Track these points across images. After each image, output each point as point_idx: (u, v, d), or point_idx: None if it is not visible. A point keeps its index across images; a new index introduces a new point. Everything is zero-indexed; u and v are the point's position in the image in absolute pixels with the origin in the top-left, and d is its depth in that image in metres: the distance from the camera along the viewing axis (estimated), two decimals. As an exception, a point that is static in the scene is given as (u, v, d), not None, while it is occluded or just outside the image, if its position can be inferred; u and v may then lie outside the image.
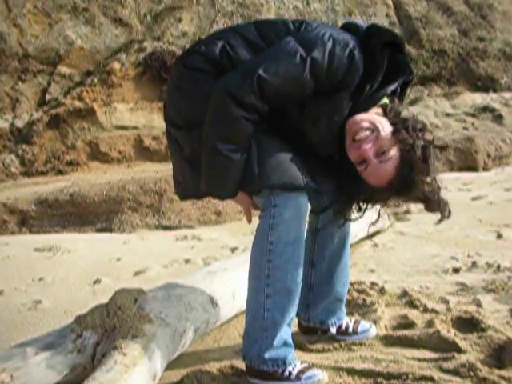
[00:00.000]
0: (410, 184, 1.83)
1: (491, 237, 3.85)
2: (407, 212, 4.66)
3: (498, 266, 3.02)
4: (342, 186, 2.01)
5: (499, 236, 3.84)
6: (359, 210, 2.02)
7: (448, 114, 9.56)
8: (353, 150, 1.84)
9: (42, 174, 6.65)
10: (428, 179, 1.86)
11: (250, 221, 1.97)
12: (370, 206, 2.01)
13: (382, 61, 1.82)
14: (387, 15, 10.47)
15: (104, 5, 7.88)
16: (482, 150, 7.41)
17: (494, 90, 10.78)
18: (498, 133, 8.54)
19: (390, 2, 10.73)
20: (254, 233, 1.89)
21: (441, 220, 1.92)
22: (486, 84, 10.79)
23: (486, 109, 10.05)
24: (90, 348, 1.70)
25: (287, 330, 1.86)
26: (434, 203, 1.90)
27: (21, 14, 7.45)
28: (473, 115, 9.80)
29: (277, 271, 1.82)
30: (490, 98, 10.53)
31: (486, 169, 7.40)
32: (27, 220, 5.16)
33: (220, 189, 1.87)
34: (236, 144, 1.77)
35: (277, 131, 1.90)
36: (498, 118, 9.87)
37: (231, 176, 1.81)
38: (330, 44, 1.77)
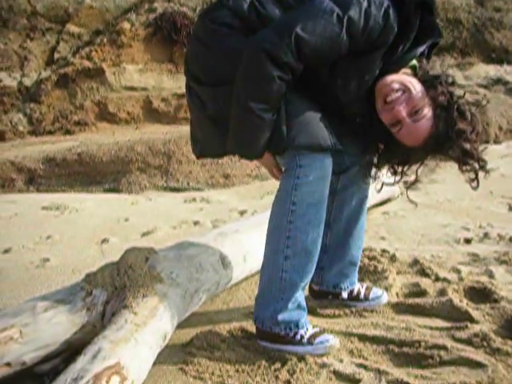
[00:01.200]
0: (447, 141, 1.78)
1: (503, 209, 3.81)
2: (417, 181, 4.61)
3: (510, 238, 2.99)
4: (366, 150, 2.00)
5: (511, 208, 3.80)
6: (394, 173, 1.99)
7: (460, 86, 9.44)
8: (385, 112, 1.80)
9: (50, 133, 6.61)
10: (467, 135, 1.80)
11: (278, 179, 1.92)
12: (406, 168, 1.97)
13: (416, 21, 1.76)
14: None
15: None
16: (493, 123, 7.33)
17: (508, 62, 10.64)
18: (510, 106, 8.43)
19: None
20: (276, 192, 1.85)
21: (475, 179, 1.89)
22: (500, 56, 10.64)
23: (499, 81, 9.93)
24: (100, 306, 1.68)
25: (302, 293, 1.85)
26: (472, 160, 1.84)
27: (30, -30, 7.35)
28: (485, 87, 9.69)
29: (298, 232, 1.79)
30: (503, 70, 10.39)
31: (496, 141, 7.32)
32: (35, 178, 5.15)
33: (249, 149, 1.82)
34: (269, 104, 1.72)
35: (305, 90, 1.84)
36: (511, 91, 9.76)
37: (261, 136, 1.76)
38: (365, 3, 1.70)
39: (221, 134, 1.82)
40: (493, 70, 10.25)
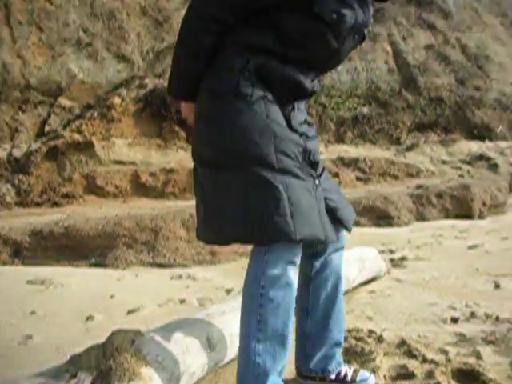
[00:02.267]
0: None
1: (489, 287, 3.82)
2: (403, 259, 4.64)
3: (497, 317, 2.98)
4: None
5: (497, 286, 3.81)
6: None
7: (444, 162, 9.63)
8: None
9: (38, 205, 6.62)
10: None
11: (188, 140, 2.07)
12: None
13: None
14: (386, 62, 10.62)
15: (108, 40, 7.97)
16: (477, 198, 7.43)
17: (490, 139, 10.91)
18: (493, 181, 8.58)
19: (390, 49, 10.90)
20: (246, 275, 1.88)
21: None
22: (481, 132, 10.91)
23: (481, 157, 10.15)
24: (85, 389, 1.65)
25: (278, 378, 1.84)
26: None
27: (25, 45, 7.52)
28: (469, 163, 9.88)
29: (268, 316, 1.81)
30: (485, 146, 10.64)
31: (481, 217, 7.41)
32: (20, 251, 5.11)
33: (172, 84, 2.05)
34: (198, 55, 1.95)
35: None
36: (494, 167, 9.95)
37: (182, 75, 2.00)
38: None
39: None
40: (475, 147, 10.48)
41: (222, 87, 1.92)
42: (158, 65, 8.05)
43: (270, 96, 1.92)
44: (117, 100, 7.29)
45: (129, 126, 7.20)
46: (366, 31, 2.06)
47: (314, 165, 1.95)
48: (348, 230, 2.10)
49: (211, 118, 1.94)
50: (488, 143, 10.80)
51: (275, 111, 1.92)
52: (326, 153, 8.28)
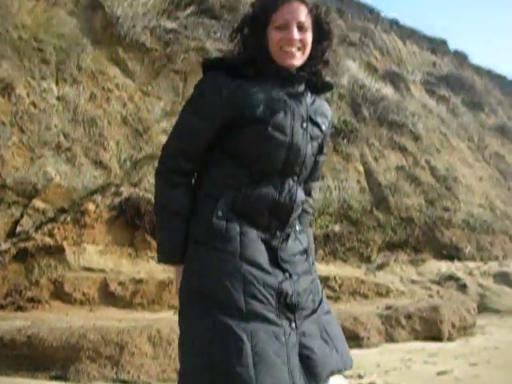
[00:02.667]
0: None
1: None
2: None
3: None
4: None
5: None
6: None
7: (414, 281, 9.72)
8: None
9: (1, 307, 6.48)
10: None
11: None
12: None
13: None
14: (358, 181, 10.92)
15: (87, 146, 8.12)
16: (446, 320, 7.45)
17: (459, 259, 11.09)
18: (462, 302, 8.63)
19: (362, 169, 11.24)
20: None
21: None
22: (450, 252, 11.12)
23: (450, 277, 10.27)
24: None
25: None
26: None
27: (5, 145, 7.61)
28: (438, 283, 9.98)
29: None
30: (454, 266, 10.79)
31: (450, 339, 7.40)
32: (-22, 358, 4.97)
33: (158, 249, 2.13)
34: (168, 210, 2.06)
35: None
36: (462, 287, 10.05)
37: (164, 235, 2.09)
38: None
39: None
40: (444, 267, 10.63)
41: (197, 232, 2.00)
42: (135, 174, 8.19)
43: (248, 230, 1.97)
44: (91, 206, 7.33)
45: (101, 232, 7.21)
46: (313, 115, 2.15)
47: (291, 307, 1.94)
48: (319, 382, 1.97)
49: (186, 264, 2.02)
50: (457, 263, 10.98)
51: (253, 248, 1.95)
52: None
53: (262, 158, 2.01)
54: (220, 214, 1.97)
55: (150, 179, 8.16)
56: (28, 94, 8.16)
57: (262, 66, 2.09)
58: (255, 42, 2.10)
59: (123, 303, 6.63)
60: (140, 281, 6.61)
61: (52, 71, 8.68)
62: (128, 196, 7.51)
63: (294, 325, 1.92)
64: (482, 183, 15.61)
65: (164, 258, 2.11)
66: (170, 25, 10.21)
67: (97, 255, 7.01)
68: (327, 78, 2.26)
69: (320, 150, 2.26)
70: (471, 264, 11.52)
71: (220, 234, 1.94)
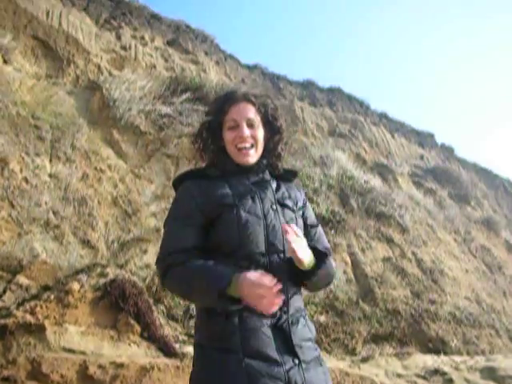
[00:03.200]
0: None
1: None
2: None
3: None
4: None
5: None
6: None
7: (399, 375, 9.57)
8: None
9: (-24, 381, 6.32)
10: None
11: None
12: None
13: None
14: (345, 272, 10.94)
15: (76, 225, 8.14)
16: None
17: (445, 353, 10.99)
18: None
19: (349, 260, 11.29)
20: None
21: None
22: (436, 346, 11.02)
23: (436, 371, 10.11)
24: None
25: None
26: None
27: (-6, 221, 7.62)
28: (424, 377, 9.82)
29: None
30: (440, 360, 10.65)
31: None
32: None
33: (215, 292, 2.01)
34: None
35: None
36: (449, 382, 9.88)
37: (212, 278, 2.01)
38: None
39: None
40: (430, 360, 10.48)
41: (199, 336, 2.10)
42: (122, 255, 8.17)
43: (249, 320, 1.99)
44: (76, 285, 7.26)
45: (84, 313, 7.10)
46: (280, 199, 2.27)
47: None
48: None
49: (192, 370, 2.08)
50: (443, 357, 10.83)
51: (256, 338, 1.95)
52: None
53: (243, 243, 2.07)
54: (218, 310, 1.99)
55: (136, 262, 8.16)
56: (21, 170, 8.24)
57: (222, 164, 2.27)
58: (213, 144, 2.30)
59: (101, 388, 6.48)
60: (121, 365, 6.47)
61: (47, 148, 8.80)
62: (114, 277, 7.46)
63: None
64: (468, 276, 15.63)
65: (224, 283, 1.99)
66: (165, 110, 10.45)
67: (78, 336, 6.88)
68: (289, 166, 2.43)
69: (309, 225, 2.37)
70: (458, 358, 11.39)
71: (218, 332, 1.96)
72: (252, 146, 2.25)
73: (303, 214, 2.37)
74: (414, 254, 13.14)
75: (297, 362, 1.95)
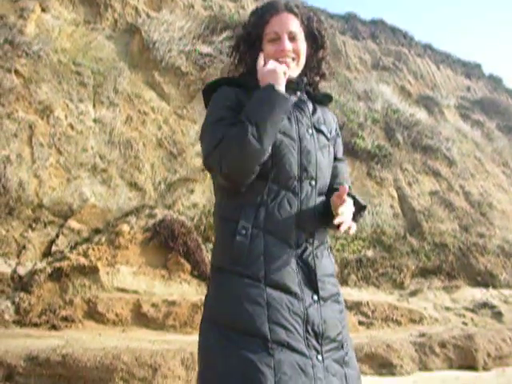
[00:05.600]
0: None
1: None
2: None
3: None
4: None
5: None
6: None
7: (447, 308, 9.56)
8: None
9: (35, 325, 6.56)
10: None
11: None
12: None
13: None
14: (391, 206, 10.84)
15: (122, 168, 8.23)
16: (481, 349, 7.31)
17: (494, 286, 10.90)
18: (497, 331, 8.47)
19: (395, 194, 11.16)
20: None
21: None
22: (485, 279, 10.92)
23: (485, 305, 10.07)
24: None
25: None
26: None
27: (43, 166, 7.75)
28: (472, 310, 9.80)
29: None
30: (489, 293, 10.59)
31: (486, 368, 7.25)
32: (13, 376, 5.02)
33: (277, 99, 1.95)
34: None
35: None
36: (498, 315, 9.85)
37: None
38: None
39: None
40: (479, 294, 10.43)
41: (219, 259, 1.99)
42: (169, 196, 8.26)
43: (274, 248, 1.90)
44: (125, 227, 7.40)
45: (135, 254, 7.26)
46: (316, 123, 2.16)
47: (318, 336, 1.86)
48: None
49: (208, 293, 2.01)
50: (492, 290, 10.77)
51: (280, 268, 1.87)
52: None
53: (276, 164, 1.97)
54: (243, 232, 1.90)
55: (183, 201, 8.23)
56: (66, 116, 8.32)
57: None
58: (252, 57, 2.14)
59: (156, 325, 6.64)
60: (173, 303, 6.62)
61: (89, 94, 8.85)
62: (162, 218, 7.57)
63: (320, 357, 1.86)
64: (517, 208, 15.39)
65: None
66: (206, 49, 10.35)
67: (130, 276, 7.06)
68: (326, 90, 2.31)
69: (335, 157, 2.24)
70: (506, 291, 11.30)
71: (242, 256, 1.88)
72: (293, 59, 2.11)
73: (335, 143, 2.26)
74: (461, 187, 12.94)
75: (316, 298, 1.91)
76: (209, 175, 8.36)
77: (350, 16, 17.81)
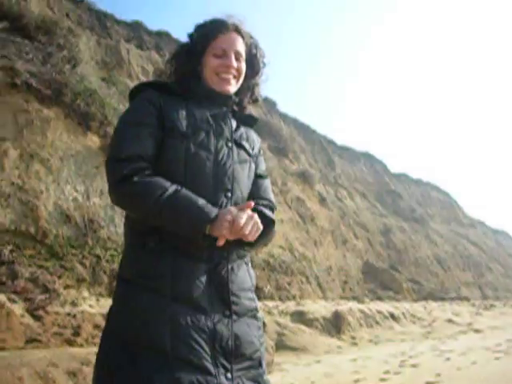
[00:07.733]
0: None
1: None
2: None
3: None
4: None
5: None
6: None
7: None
8: None
9: None
10: None
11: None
12: None
13: None
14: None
15: None
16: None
17: (259, 298, 11.29)
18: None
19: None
20: None
21: None
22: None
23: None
24: None
25: None
26: None
27: None
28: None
29: None
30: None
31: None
32: None
33: (192, 221, 1.82)
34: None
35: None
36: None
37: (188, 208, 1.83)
38: None
39: None
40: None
41: (126, 271, 1.90)
42: None
43: (184, 262, 1.82)
44: None
45: None
46: (238, 139, 2.15)
47: (227, 353, 1.79)
48: None
49: (113, 306, 1.91)
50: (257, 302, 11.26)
51: (188, 283, 1.80)
52: (98, 307, 7.85)
53: (189, 174, 1.91)
54: (152, 245, 1.84)
55: None
56: None
57: (193, 87, 2.14)
58: (188, 68, 2.18)
59: None
60: None
61: None
62: None
63: (229, 375, 1.77)
64: (282, 226, 16.36)
65: (205, 220, 1.78)
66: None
67: None
68: (251, 112, 2.34)
69: (256, 174, 2.23)
70: (270, 303, 11.90)
71: (149, 269, 1.81)
72: (234, 77, 2.18)
73: (256, 160, 2.25)
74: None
75: (228, 313, 1.84)
76: None
77: (136, 24, 17.69)
